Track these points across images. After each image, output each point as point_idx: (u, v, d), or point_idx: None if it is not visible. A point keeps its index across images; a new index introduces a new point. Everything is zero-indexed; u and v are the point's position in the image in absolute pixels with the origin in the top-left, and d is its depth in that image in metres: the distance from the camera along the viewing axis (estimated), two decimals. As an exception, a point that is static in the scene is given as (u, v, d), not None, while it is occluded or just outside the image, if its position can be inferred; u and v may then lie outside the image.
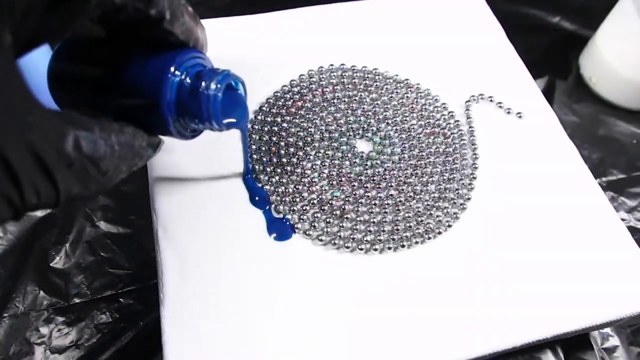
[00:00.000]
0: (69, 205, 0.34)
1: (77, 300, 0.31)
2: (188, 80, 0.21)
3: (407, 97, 0.32)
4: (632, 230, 0.35)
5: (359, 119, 0.31)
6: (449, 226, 0.27)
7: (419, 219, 0.27)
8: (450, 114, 0.32)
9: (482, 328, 0.24)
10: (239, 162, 0.28)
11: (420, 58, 0.34)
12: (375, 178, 0.28)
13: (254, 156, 0.29)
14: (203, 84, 0.21)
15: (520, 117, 0.32)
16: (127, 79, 0.20)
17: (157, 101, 0.20)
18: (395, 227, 0.27)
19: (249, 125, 0.30)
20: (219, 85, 0.21)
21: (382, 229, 0.27)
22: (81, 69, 0.21)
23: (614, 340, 0.31)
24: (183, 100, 0.21)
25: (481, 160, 0.30)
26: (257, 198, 0.27)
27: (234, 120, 0.23)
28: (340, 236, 0.26)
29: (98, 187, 0.19)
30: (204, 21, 0.25)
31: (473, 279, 0.26)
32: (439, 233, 0.27)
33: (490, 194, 0.29)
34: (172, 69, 0.20)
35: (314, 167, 0.28)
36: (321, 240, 0.26)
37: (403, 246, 0.26)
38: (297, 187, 0.28)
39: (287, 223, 0.27)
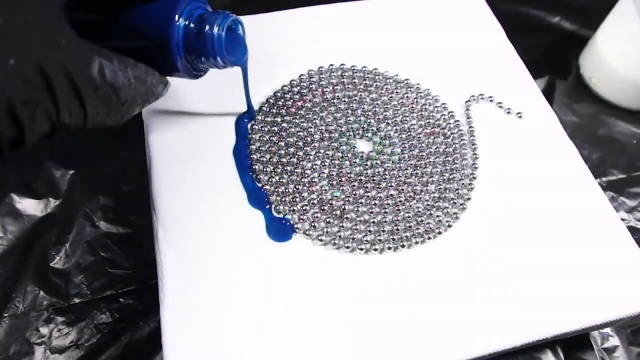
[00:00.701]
0: (69, 206, 0.34)
1: (77, 300, 0.31)
2: (192, 23, 0.23)
3: (407, 97, 0.32)
4: (632, 230, 0.35)
5: (359, 119, 0.31)
6: (449, 226, 0.27)
7: (419, 219, 0.27)
8: (450, 114, 0.32)
9: (482, 328, 0.24)
10: (241, 162, 0.28)
11: (420, 58, 0.34)
12: (375, 178, 0.28)
13: (254, 156, 0.29)
14: (207, 25, 0.23)
15: (520, 117, 0.32)
16: (135, 25, 0.23)
17: (165, 42, 0.23)
18: (395, 227, 0.27)
19: (249, 125, 0.30)
20: (221, 26, 0.24)
21: (382, 229, 0.27)
22: (90, 18, 0.23)
23: (614, 340, 0.31)
24: (189, 40, 0.23)
25: (481, 160, 0.30)
26: (255, 198, 0.27)
27: (236, 57, 0.26)
28: (340, 236, 0.26)
29: (117, 117, 0.21)
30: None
31: (473, 279, 0.26)
32: (439, 233, 0.27)
33: (490, 194, 0.29)
34: (178, 13, 0.23)
35: (314, 167, 0.28)
36: (321, 240, 0.26)
37: (403, 246, 0.26)
38: (297, 187, 0.28)
39: (287, 223, 0.27)
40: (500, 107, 0.32)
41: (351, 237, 0.26)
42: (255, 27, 0.35)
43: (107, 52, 0.19)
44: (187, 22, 0.23)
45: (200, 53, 0.24)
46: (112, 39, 0.23)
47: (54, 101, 0.17)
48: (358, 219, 0.27)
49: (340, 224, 0.27)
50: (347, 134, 0.30)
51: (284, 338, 0.23)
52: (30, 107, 0.16)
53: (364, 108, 0.31)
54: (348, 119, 0.31)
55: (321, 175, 0.28)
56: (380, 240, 0.26)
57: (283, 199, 0.27)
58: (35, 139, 0.18)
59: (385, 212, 0.27)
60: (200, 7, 0.24)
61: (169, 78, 0.24)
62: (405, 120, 0.31)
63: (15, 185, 0.34)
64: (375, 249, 0.26)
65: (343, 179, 0.28)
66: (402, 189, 0.28)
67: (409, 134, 0.30)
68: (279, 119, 0.30)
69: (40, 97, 0.17)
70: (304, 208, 0.27)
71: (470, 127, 0.31)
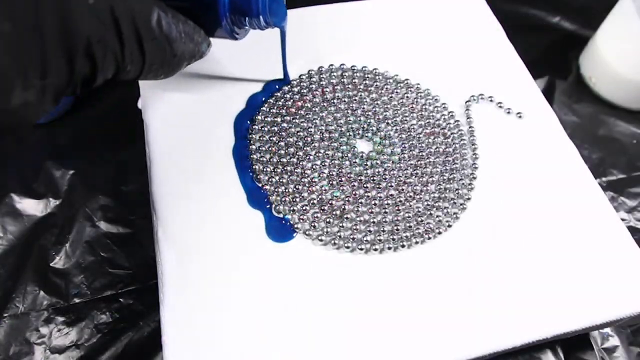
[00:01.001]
0: (69, 206, 0.34)
1: (77, 300, 0.31)
2: None
3: (407, 97, 0.32)
4: (632, 230, 0.35)
5: (359, 119, 0.31)
6: (449, 226, 0.27)
7: (419, 219, 0.27)
8: (450, 114, 0.32)
9: (482, 328, 0.24)
10: (240, 162, 0.28)
11: (420, 58, 0.34)
12: (375, 178, 0.28)
13: (254, 156, 0.29)
14: None
15: (520, 117, 0.32)
16: None
17: (213, 0, 0.24)
18: (395, 227, 0.27)
19: (250, 125, 0.30)
20: None
21: (382, 229, 0.27)
22: None
23: (614, 340, 0.31)
24: (235, 0, 0.24)
25: (481, 160, 0.30)
26: (255, 199, 0.27)
27: (277, 18, 0.27)
28: (340, 236, 0.26)
29: (169, 69, 0.22)
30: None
31: (473, 279, 0.26)
32: (439, 233, 0.27)
33: (490, 194, 0.29)
34: None
35: (314, 167, 0.28)
36: (321, 240, 0.26)
37: (403, 246, 0.26)
38: (297, 187, 0.28)
39: (287, 224, 0.27)
40: (500, 107, 0.32)
41: (351, 237, 0.26)
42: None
43: (164, 4, 0.20)
44: None
45: (245, 12, 0.25)
46: None
47: (120, 43, 0.18)
48: (358, 219, 0.27)
49: (340, 224, 0.27)
50: (347, 134, 0.30)
51: (284, 338, 0.23)
52: (103, 47, 0.18)
53: (364, 108, 0.31)
54: (348, 119, 0.31)
55: (321, 175, 0.28)
56: (380, 240, 0.26)
57: (283, 199, 0.27)
58: (102, 81, 0.19)
59: (385, 212, 0.27)
60: None
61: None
62: (405, 120, 0.31)
63: (15, 185, 0.34)
64: (375, 249, 0.26)
65: (343, 179, 0.28)
66: (402, 189, 0.28)
67: (409, 134, 0.30)
68: (279, 119, 0.30)
69: (110, 38, 0.18)
70: (304, 208, 0.27)
71: (470, 127, 0.31)
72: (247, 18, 0.26)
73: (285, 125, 0.30)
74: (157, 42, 0.20)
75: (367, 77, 0.33)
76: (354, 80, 0.32)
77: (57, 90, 0.17)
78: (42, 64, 0.16)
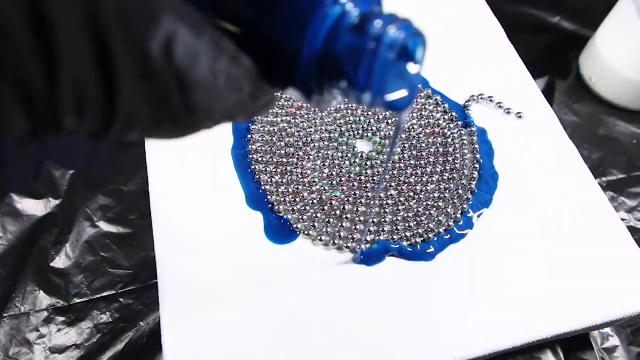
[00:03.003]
0: (69, 206, 0.34)
1: (77, 300, 0.31)
2: (348, 24, 0.13)
3: (407, 97, 0.32)
4: (632, 230, 0.35)
5: (359, 119, 0.31)
6: (449, 226, 0.27)
7: (419, 219, 0.27)
8: (450, 114, 0.32)
9: (482, 328, 0.24)
10: (239, 162, 0.28)
11: (420, 58, 0.34)
12: (375, 178, 0.28)
13: (254, 156, 0.29)
14: (370, 33, 0.13)
15: (520, 117, 0.32)
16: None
17: (294, 47, 0.13)
18: (395, 227, 0.27)
19: (249, 125, 0.30)
20: (395, 43, 0.13)
21: (382, 229, 0.27)
22: None
23: (614, 340, 0.31)
24: (333, 53, 0.13)
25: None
26: (254, 199, 0.27)
27: (397, 103, 0.15)
28: (340, 236, 0.26)
29: (172, 131, 0.13)
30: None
31: (473, 279, 0.25)
32: (439, 233, 0.27)
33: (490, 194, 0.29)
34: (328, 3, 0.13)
35: (314, 167, 0.28)
36: (321, 240, 0.26)
37: (403, 246, 0.26)
38: (297, 187, 0.28)
39: (287, 224, 0.27)
40: (500, 107, 0.32)
41: (351, 237, 0.26)
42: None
43: (194, 17, 0.11)
44: (338, 22, 0.13)
45: (341, 77, 0.14)
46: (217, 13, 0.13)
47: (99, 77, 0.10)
48: (358, 219, 0.27)
49: (340, 224, 0.27)
50: (347, 134, 0.30)
51: (284, 338, 0.23)
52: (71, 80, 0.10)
53: (363, 108, 0.31)
54: (348, 119, 0.31)
55: (321, 175, 0.28)
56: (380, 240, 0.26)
57: (283, 199, 0.27)
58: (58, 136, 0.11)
59: (385, 212, 0.27)
60: (368, 1, 0.14)
61: None
62: (405, 120, 0.31)
63: (15, 186, 0.34)
64: (375, 249, 0.26)
65: (343, 179, 0.28)
66: (402, 189, 0.28)
67: (409, 134, 0.30)
68: (278, 119, 0.30)
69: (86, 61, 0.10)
70: (304, 208, 0.27)
71: (470, 127, 0.31)
72: (340, 86, 0.14)
73: (285, 125, 0.30)
74: (157, 80, 0.11)
75: (367, 77, 0.33)
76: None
77: None
78: None
